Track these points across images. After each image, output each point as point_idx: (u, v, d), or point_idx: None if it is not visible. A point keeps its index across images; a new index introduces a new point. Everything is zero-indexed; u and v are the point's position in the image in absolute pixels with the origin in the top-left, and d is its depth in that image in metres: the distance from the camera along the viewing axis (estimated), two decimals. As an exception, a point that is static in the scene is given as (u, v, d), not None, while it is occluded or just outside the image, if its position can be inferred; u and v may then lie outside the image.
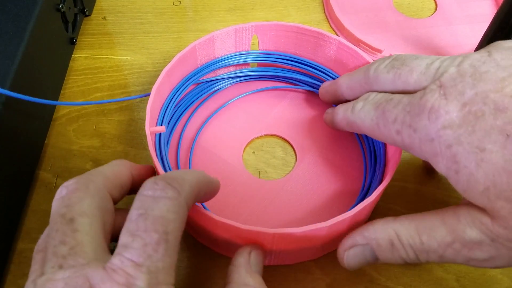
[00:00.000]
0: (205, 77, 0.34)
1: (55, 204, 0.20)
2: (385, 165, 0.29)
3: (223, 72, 0.34)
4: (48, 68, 0.33)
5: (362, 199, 0.29)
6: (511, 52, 0.21)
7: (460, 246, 0.21)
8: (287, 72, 0.34)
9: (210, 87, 0.34)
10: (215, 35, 0.32)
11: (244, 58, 0.34)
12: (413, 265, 0.28)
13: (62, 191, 0.20)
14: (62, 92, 0.35)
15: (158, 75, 0.29)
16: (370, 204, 0.25)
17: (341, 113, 0.28)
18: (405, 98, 0.23)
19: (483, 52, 0.21)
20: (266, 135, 0.33)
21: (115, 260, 0.18)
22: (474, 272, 0.28)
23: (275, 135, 0.33)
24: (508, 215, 0.19)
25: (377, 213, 0.29)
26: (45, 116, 0.33)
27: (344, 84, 0.29)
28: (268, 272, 0.26)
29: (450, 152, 0.20)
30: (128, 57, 0.38)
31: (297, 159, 0.32)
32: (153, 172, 0.26)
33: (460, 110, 0.20)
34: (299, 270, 0.28)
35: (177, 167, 0.30)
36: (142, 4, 0.42)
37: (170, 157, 0.31)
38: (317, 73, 0.33)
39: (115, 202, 0.22)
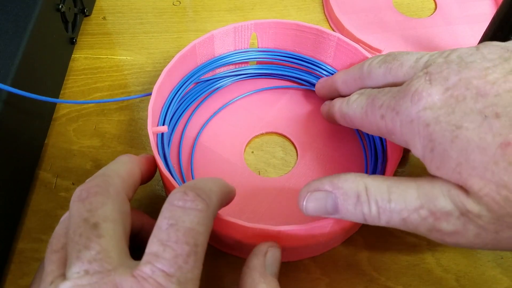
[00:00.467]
0: (205, 76, 0.34)
1: (76, 206, 0.20)
2: (385, 162, 0.29)
3: (222, 71, 0.34)
4: (48, 68, 0.33)
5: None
6: (498, 48, 0.21)
7: (427, 213, 0.20)
8: (287, 70, 0.35)
9: (210, 86, 0.34)
10: (214, 33, 0.32)
11: (244, 56, 0.34)
12: (412, 265, 0.28)
13: (82, 194, 0.20)
14: (62, 92, 0.36)
15: (158, 75, 0.29)
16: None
17: (337, 105, 0.28)
18: (395, 88, 0.23)
19: (471, 47, 0.22)
20: (267, 133, 0.33)
21: (146, 269, 0.18)
22: (474, 272, 0.28)
23: (276, 133, 0.33)
24: (479, 191, 0.19)
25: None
26: (45, 115, 0.33)
27: (340, 80, 0.29)
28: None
29: (428, 130, 0.20)
30: (128, 57, 0.38)
31: (299, 156, 0.32)
32: (154, 164, 0.26)
33: (443, 93, 0.20)
34: (299, 269, 0.28)
35: (180, 168, 0.31)
36: (142, 4, 0.42)
37: (172, 157, 0.31)
38: (317, 70, 0.34)
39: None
